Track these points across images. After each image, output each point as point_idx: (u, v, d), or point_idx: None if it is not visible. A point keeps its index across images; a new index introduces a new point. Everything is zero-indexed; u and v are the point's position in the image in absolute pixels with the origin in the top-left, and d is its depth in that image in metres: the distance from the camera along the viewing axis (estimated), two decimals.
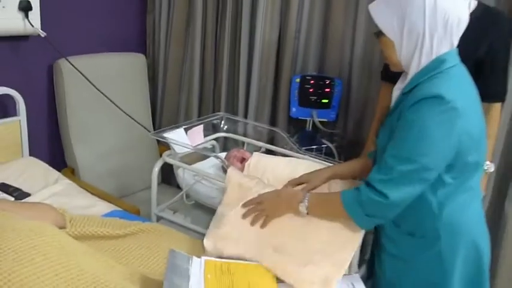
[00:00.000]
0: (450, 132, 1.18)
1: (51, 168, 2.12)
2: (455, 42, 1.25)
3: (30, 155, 2.23)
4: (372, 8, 1.29)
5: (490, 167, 1.82)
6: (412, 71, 1.26)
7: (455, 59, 1.26)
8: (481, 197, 1.41)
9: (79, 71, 2.27)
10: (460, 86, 1.22)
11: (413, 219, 1.31)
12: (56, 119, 2.43)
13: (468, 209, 1.30)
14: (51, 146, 2.46)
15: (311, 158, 1.85)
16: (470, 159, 1.24)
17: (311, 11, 2.34)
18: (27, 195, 1.82)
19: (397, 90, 1.34)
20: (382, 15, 1.26)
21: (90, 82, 2.28)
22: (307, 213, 1.40)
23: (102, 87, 2.37)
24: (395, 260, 1.40)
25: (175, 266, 1.25)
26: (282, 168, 1.72)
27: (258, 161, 1.76)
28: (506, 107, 1.93)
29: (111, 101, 2.34)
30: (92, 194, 2.01)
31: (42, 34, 2.14)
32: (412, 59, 1.25)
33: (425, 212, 1.28)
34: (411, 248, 1.34)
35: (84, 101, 2.40)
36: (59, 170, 2.21)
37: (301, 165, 1.73)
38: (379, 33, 1.29)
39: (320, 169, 1.62)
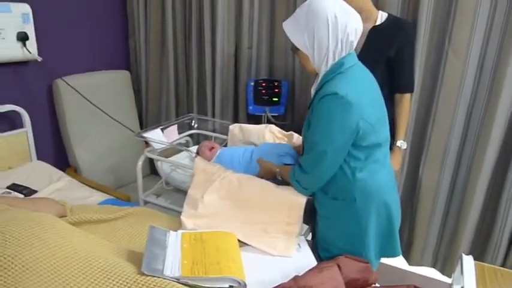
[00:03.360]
0: (345, 118, 1.20)
1: (54, 168, 2.07)
2: (354, 45, 1.27)
3: (38, 159, 2.18)
4: (286, 28, 1.30)
5: (403, 144, 1.86)
6: (322, 73, 1.28)
7: (353, 60, 1.28)
8: (390, 167, 1.43)
9: (74, 89, 2.22)
10: (354, 83, 1.24)
11: (335, 187, 1.34)
12: (58, 128, 2.36)
13: (377, 176, 1.33)
14: (56, 150, 2.39)
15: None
16: (372, 139, 1.27)
17: (260, 28, 2.34)
18: (35, 192, 1.78)
19: (313, 90, 1.36)
20: (295, 35, 1.27)
21: (84, 97, 2.23)
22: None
23: (95, 100, 2.33)
24: (325, 219, 1.43)
25: (154, 238, 1.24)
26: None
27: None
28: (415, 96, 1.97)
29: (102, 111, 2.31)
30: (91, 187, 1.98)
31: (39, 59, 2.08)
32: (322, 65, 1.27)
33: (344, 180, 1.31)
34: (335, 209, 1.37)
35: (81, 111, 2.35)
36: (63, 170, 2.17)
37: None
38: (296, 49, 1.31)
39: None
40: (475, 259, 2.06)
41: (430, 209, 2.12)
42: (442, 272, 2.21)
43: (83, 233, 1.26)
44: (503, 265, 1.99)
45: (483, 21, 1.78)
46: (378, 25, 1.75)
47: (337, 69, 1.24)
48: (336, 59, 1.25)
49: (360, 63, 1.32)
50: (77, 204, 1.57)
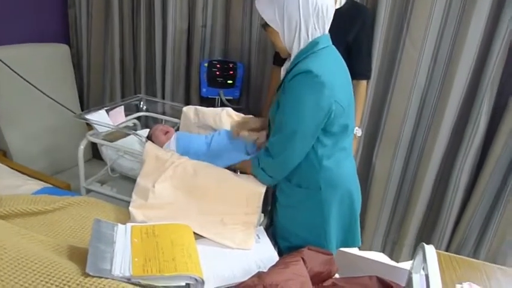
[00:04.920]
0: (318, 99, 1.16)
1: None
2: (327, 27, 1.23)
3: None
4: (258, 2, 1.24)
5: (358, 131, 1.87)
6: (294, 53, 1.23)
7: (326, 42, 1.24)
8: (352, 157, 1.42)
9: (2, 61, 1.96)
10: (327, 64, 1.20)
11: (300, 174, 1.30)
12: None
13: (343, 165, 1.30)
14: None
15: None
16: (341, 125, 1.24)
17: (214, 5, 2.21)
18: None
19: (283, 70, 1.30)
20: (266, 9, 1.21)
21: (14, 71, 1.97)
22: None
23: (28, 76, 2.07)
24: (286, 208, 1.39)
25: (100, 233, 1.11)
26: None
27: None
28: (371, 83, 1.97)
29: (36, 87, 2.06)
30: (23, 173, 1.76)
31: None
32: (293, 43, 1.21)
33: (310, 167, 1.27)
34: (299, 198, 1.33)
35: (11, 88, 2.08)
36: None
37: None
38: (266, 25, 1.24)
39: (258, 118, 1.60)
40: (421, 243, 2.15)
41: (381, 195, 2.16)
42: (391, 256, 2.27)
43: (14, 228, 1.10)
44: (447, 250, 2.08)
45: (440, 11, 1.80)
46: (338, 9, 1.70)
47: (310, 48, 1.19)
48: (310, 38, 1.19)
49: (333, 47, 1.28)
50: (7, 194, 1.37)
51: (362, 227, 2.25)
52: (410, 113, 1.98)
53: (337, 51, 1.29)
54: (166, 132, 1.63)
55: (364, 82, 1.84)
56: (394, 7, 1.87)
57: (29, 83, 2.03)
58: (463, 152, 1.91)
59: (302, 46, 1.20)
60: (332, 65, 1.22)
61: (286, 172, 1.30)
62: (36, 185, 1.63)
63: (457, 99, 1.87)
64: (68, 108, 2.10)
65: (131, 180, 1.68)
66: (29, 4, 2.27)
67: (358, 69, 1.76)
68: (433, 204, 2.08)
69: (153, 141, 1.56)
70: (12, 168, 1.80)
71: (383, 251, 2.29)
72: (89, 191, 1.68)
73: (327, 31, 1.24)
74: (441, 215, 2.04)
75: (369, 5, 1.90)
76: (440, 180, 2.03)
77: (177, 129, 1.80)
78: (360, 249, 2.30)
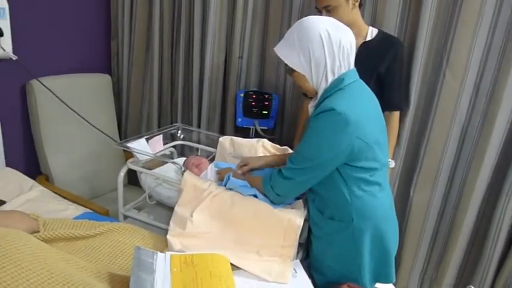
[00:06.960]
0: (338, 135, 1.17)
1: (25, 176, 1.89)
2: (352, 62, 1.24)
3: (7, 165, 2.00)
4: (278, 50, 1.26)
5: (391, 163, 1.84)
6: (321, 91, 1.24)
7: (353, 77, 1.25)
8: (389, 190, 1.39)
9: (50, 91, 2.08)
10: (353, 100, 1.20)
11: (332, 207, 1.31)
12: (31, 132, 2.20)
13: (376, 198, 1.28)
14: (26, 156, 2.22)
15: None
16: (370, 157, 1.23)
17: (251, 38, 2.28)
18: (3, 202, 1.62)
19: (311, 107, 1.32)
20: (289, 56, 1.23)
21: (60, 100, 2.09)
22: None
23: (72, 104, 2.19)
24: (320, 241, 1.38)
25: (140, 261, 1.13)
26: None
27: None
28: (409, 116, 1.95)
29: (80, 116, 2.17)
30: (65, 198, 1.83)
31: (14, 57, 1.94)
32: (321, 83, 1.23)
33: (341, 200, 1.27)
34: (331, 230, 1.32)
35: (56, 116, 2.19)
36: (34, 178, 2.00)
37: None
38: (291, 70, 1.26)
39: (260, 156, 1.65)
40: (462, 283, 2.05)
41: (419, 230, 2.10)
42: None
43: (59, 253, 1.14)
44: None
45: (481, 44, 1.79)
46: (369, 41, 1.73)
47: (336, 85, 1.21)
48: (336, 75, 1.21)
49: (360, 81, 1.29)
50: (51, 218, 1.43)
51: (398, 263, 2.18)
52: (450, 146, 1.94)
53: (365, 85, 1.30)
54: (199, 165, 1.67)
55: (396, 113, 1.83)
56: (434, 38, 1.86)
57: (74, 111, 2.14)
58: (508, 185, 1.84)
59: (329, 84, 1.22)
60: (358, 101, 1.22)
61: (293, 194, 1.38)
62: (76, 210, 1.68)
63: (500, 132, 1.83)
64: (109, 136, 2.19)
65: (167, 207, 1.71)
66: (75, 35, 2.41)
67: (390, 100, 1.76)
68: (475, 241, 2.00)
69: None
70: (54, 192, 1.87)
71: None
72: (126, 217, 1.72)
73: (352, 66, 1.25)
74: (484, 253, 1.95)
75: (407, 36, 1.91)
76: (483, 215, 1.96)
77: (213, 159, 1.84)
78: (395, 286, 2.22)
